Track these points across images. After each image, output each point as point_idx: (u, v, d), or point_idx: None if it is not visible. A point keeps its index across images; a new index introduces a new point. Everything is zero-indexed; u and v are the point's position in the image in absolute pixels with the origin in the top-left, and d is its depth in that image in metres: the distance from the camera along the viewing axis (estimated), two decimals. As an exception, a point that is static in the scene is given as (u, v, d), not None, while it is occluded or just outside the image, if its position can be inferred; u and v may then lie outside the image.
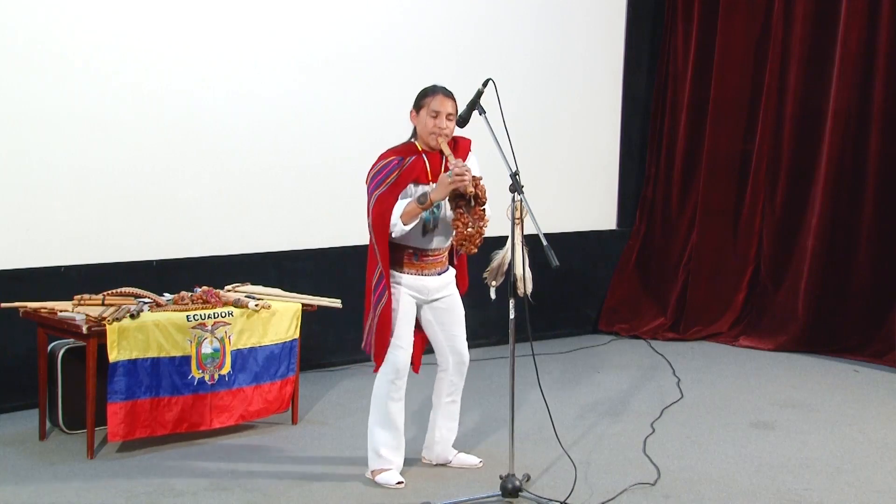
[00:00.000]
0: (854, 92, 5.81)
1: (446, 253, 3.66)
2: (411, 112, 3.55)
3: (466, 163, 3.51)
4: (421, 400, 4.31)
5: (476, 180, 3.39)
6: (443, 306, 3.66)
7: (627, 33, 6.52)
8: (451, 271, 3.71)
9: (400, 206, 3.43)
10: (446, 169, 3.52)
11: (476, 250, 3.42)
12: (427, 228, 3.52)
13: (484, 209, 3.41)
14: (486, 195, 3.41)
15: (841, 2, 5.82)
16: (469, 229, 3.38)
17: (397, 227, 3.42)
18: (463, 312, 3.72)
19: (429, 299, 3.63)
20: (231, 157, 5.04)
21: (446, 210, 3.50)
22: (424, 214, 3.46)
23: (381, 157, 3.52)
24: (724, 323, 6.33)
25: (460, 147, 3.59)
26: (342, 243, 5.32)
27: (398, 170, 3.45)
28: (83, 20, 4.52)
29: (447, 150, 3.48)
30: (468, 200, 3.37)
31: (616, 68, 6.52)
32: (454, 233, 3.45)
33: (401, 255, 3.54)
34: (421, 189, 3.50)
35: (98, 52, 4.57)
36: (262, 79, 5.08)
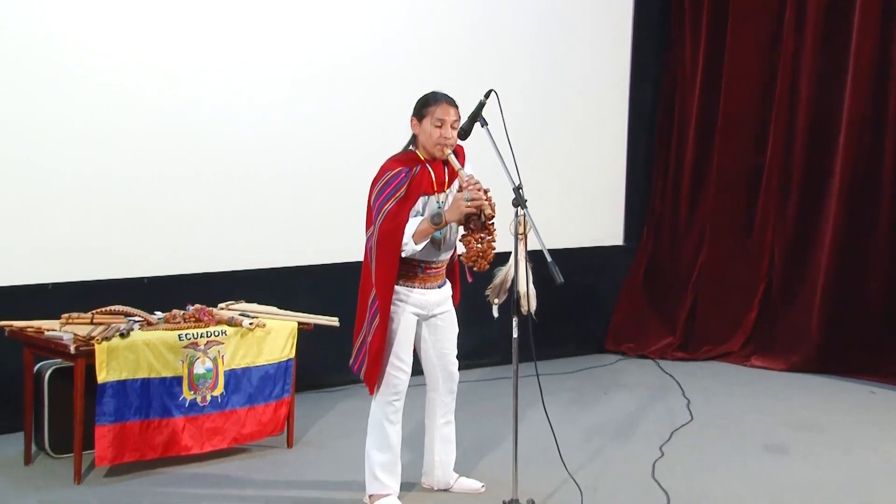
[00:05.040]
0: (868, 102, 5.80)
1: (445, 265, 3.65)
2: (412, 120, 3.52)
3: (466, 171, 3.50)
4: (413, 422, 4.28)
5: (489, 198, 3.39)
6: (440, 323, 3.65)
7: (633, 43, 6.51)
8: (448, 284, 3.70)
9: (412, 225, 3.40)
10: (451, 180, 3.54)
11: (488, 266, 3.42)
12: (438, 245, 3.52)
13: (493, 223, 3.42)
14: (495, 209, 3.41)
15: (854, 10, 5.80)
16: (480, 245, 3.39)
17: (409, 246, 3.39)
18: (457, 330, 3.72)
19: (429, 315, 3.62)
20: (225, 169, 5.02)
21: (453, 224, 3.50)
22: (436, 233, 3.45)
23: (386, 167, 3.47)
24: (734, 342, 6.30)
25: (458, 155, 3.55)
26: (341, 259, 5.27)
27: (407, 182, 3.41)
28: (71, 24, 4.50)
29: (456, 164, 3.46)
30: (478, 215, 3.38)
31: (622, 79, 6.50)
32: (465, 250, 3.44)
33: (408, 269, 3.51)
34: (426, 202, 3.48)
35: (88, 62, 4.55)
36: (260, 90, 5.07)
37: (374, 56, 5.43)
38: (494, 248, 3.43)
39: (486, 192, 3.39)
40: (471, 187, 3.38)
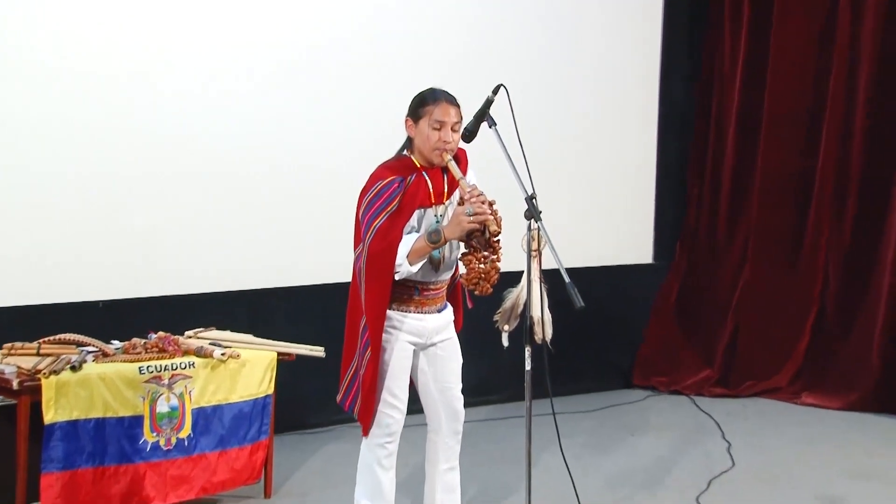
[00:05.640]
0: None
1: (445, 286, 3.65)
2: (406, 121, 3.51)
3: (469, 179, 3.49)
4: (411, 466, 4.28)
5: (494, 211, 3.38)
6: (440, 352, 3.64)
7: (664, 34, 6.54)
8: (450, 308, 3.70)
9: (407, 244, 3.39)
10: (451, 190, 3.53)
11: (491, 290, 3.40)
12: (436, 264, 3.51)
13: (498, 240, 3.41)
14: (501, 223, 3.40)
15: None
16: (483, 265, 3.39)
17: (403, 267, 3.38)
18: (460, 360, 3.72)
19: (427, 343, 3.60)
20: (193, 178, 5.04)
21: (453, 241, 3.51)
22: (434, 252, 3.45)
23: (377, 175, 3.46)
24: (782, 376, 6.31)
25: (460, 161, 3.55)
26: (327, 280, 5.28)
27: (400, 194, 3.41)
28: (34, 34, 4.59)
29: (457, 172, 3.44)
30: (482, 231, 3.38)
31: (651, 74, 6.53)
32: (465, 271, 3.44)
33: (403, 291, 3.51)
34: (423, 216, 3.49)
35: (40, 70, 4.61)
36: (234, 97, 5.12)
37: (363, 49, 5.47)
38: (499, 270, 3.41)
39: (490, 204, 3.38)
40: (473, 200, 3.35)
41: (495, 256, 3.41)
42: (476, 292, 3.43)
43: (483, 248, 3.40)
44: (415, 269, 3.40)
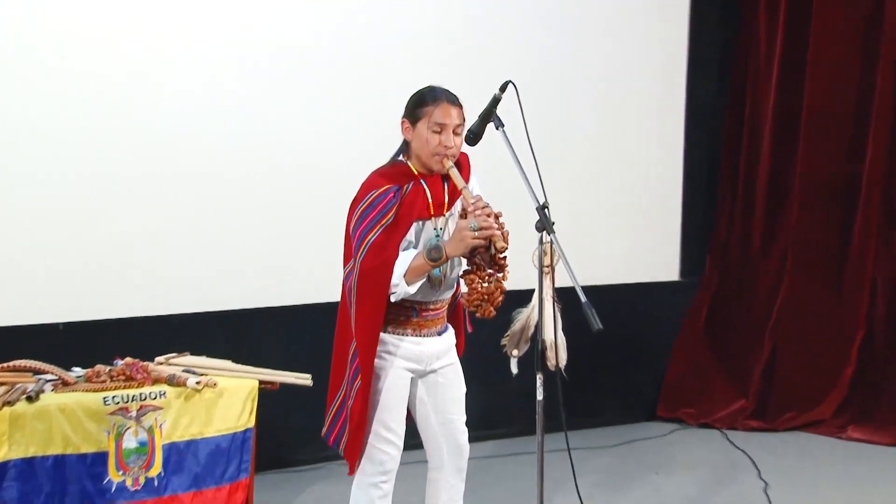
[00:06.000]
0: None
1: (446, 305, 3.66)
2: (403, 122, 3.53)
3: (472, 188, 3.52)
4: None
5: (501, 224, 3.39)
6: (441, 380, 3.65)
7: (691, 26, 6.50)
8: (451, 331, 3.71)
9: (403, 262, 3.40)
10: (453, 200, 3.54)
11: (495, 312, 3.41)
12: (437, 283, 3.53)
13: (504, 256, 3.41)
14: (508, 238, 3.41)
15: None
16: (487, 284, 3.38)
17: (399, 287, 3.39)
18: (464, 388, 3.72)
19: (426, 370, 3.62)
20: (165, 186, 5.05)
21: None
22: (434, 270, 3.45)
23: (370, 183, 3.48)
24: (826, 407, 6.28)
25: (462, 167, 3.57)
26: (315, 299, 5.27)
27: (396, 204, 3.42)
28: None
29: (459, 181, 3.46)
30: (487, 247, 3.38)
31: (676, 71, 6.50)
32: (466, 290, 3.45)
33: (399, 311, 3.52)
34: (421, 229, 3.49)
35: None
36: (222, 100, 5.15)
37: (356, 42, 5.46)
38: (504, 290, 3.42)
39: (497, 217, 3.39)
40: (478, 212, 3.36)
41: (501, 275, 3.42)
42: (477, 315, 3.43)
43: (487, 266, 3.39)
44: (412, 289, 3.40)
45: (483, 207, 3.37)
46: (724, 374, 6.50)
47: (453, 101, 3.48)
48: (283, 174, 5.32)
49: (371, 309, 3.41)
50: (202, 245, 5.15)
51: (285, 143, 5.32)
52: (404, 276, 3.37)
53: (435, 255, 3.37)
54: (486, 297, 3.38)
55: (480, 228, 3.33)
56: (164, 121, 5.03)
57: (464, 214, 3.45)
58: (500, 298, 3.41)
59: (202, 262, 5.15)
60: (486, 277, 3.39)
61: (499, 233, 3.35)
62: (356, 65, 5.46)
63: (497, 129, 3.43)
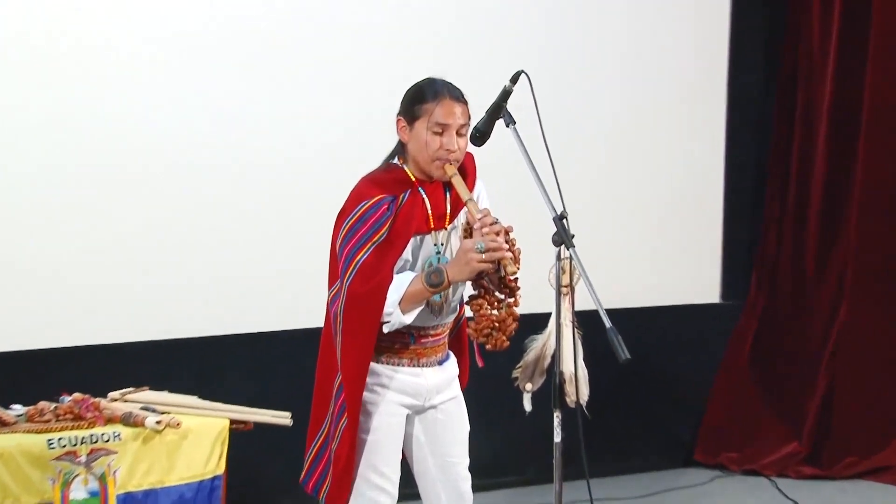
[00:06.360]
0: None
1: (448, 329, 3.64)
2: (398, 121, 3.51)
3: (475, 196, 3.49)
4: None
5: (511, 242, 3.36)
6: (441, 417, 3.63)
7: (733, 13, 6.54)
8: (453, 359, 3.70)
9: (399, 287, 3.37)
10: (456, 210, 3.52)
11: (508, 343, 3.40)
12: (437, 308, 3.52)
13: (516, 279, 3.40)
14: (520, 257, 3.40)
15: None
16: (497, 312, 3.37)
17: (394, 317, 3.37)
18: (467, 427, 3.70)
19: (425, 406, 3.60)
20: (123, 195, 5.05)
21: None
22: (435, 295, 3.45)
23: (360, 192, 3.45)
24: (892, 452, 6.30)
25: (466, 172, 3.55)
26: (294, 325, 5.31)
27: (390, 218, 3.40)
28: None
29: (464, 191, 3.43)
30: (496, 268, 3.36)
31: (717, 65, 6.52)
32: (473, 318, 3.44)
33: (393, 339, 3.50)
34: (419, 245, 3.48)
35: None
36: (181, 110, 5.20)
37: (342, 27, 5.48)
38: (517, 317, 3.41)
39: (507, 233, 3.37)
40: (485, 230, 3.34)
41: (512, 299, 3.40)
42: (487, 347, 3.42)
43: (496, 289, 3.36)
44: (408, 318, 3.39)
45: (491, 224, 3.36)
46: (773, 413, 6.49)
47: (457, 96, 3.45)
48: (256, 181, 5.34)
49: (360, 338, 3.40)
50: (163, 263, 5.14)
51: (253, 152, 5.35)
52: (399, 303, 3.35)
53: (435, 280, 3.35)
54: (497, 325, 3.38)
55: (488, 249, 3.30)
56: (115, 137, 5.06)
57: (468, 230, 3.44)
58: (514, 326, 3.41)
59: (163, 282, 5.14)
60: (496, 304, 3.39)
61: (509, 254, 3.34)
62: (340, 64, 5.50)
63: (507, 126, 3.44)
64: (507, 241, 3.36)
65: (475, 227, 3.37)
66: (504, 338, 3.38)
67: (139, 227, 5.10)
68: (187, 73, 5.20)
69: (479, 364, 3.69)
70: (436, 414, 3.62)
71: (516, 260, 3.36)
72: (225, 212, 5.26)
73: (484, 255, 3.30)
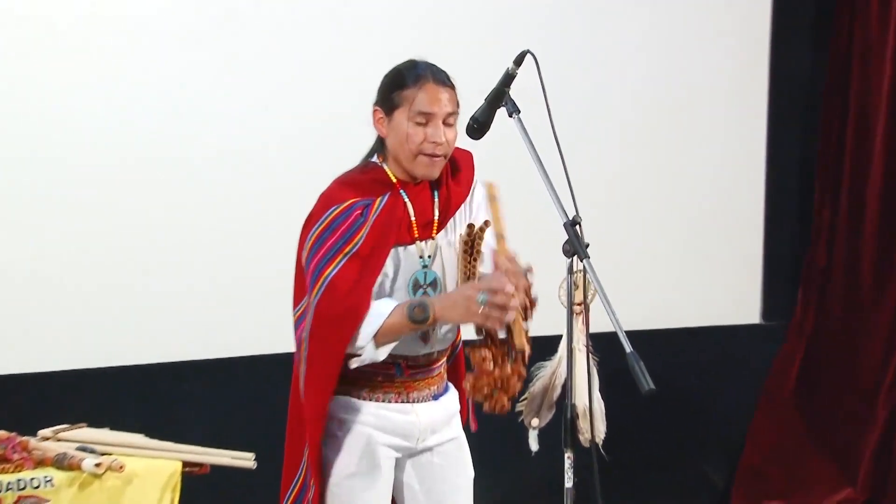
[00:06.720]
0: None
1: (445, 357, 3.63)
2: (375, 112, 3.49)
3: (475, 200, 3.54)
4: None
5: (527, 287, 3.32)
6: (438, 461, 3.63)
7: (774, 8, 6.62)
8: (453, 393, 3.68)
9: (376, 316, 3.33)
10: (447, 215, 3.54)
11: (510, 405, 3.37)
12: (426, 337, 3.53)
13: (527, 329, 3.37)
14: (535, 306, 3.37)
15: None
16: (501, 369, 3.37)
17: (366, 352, 3.34)
18: (471, 473, 3.70)
19: (418, 448, 3.58)
20: (63, 202, 5.10)
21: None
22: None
23: (329, 196, 3.45)
24: (964, 497, 6.21)
25: (461, 167, 3.56)
26: (259, 350, 5.34)
27: (365, 226, 3.39)
28: None
29: (499, 224, 3.38)
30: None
31: (758, 46, 6.57)
32: (473, 370, 3.39)
33: (375, 369, 3.48)
34: (401, 258, 3.47)
35: None
36: (135, 104, 5.25)
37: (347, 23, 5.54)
38: (524, 375, 3.38)
39: (527, 291, 3.31)
40: (499, 284, 3.24)
41: (522, 353, 3.32)
42: (485, 408, 3.38)
43: (502, 344, 3.35)
44: (382, 355, 3.36)
45: (514, 272, 3.27)
46: (822, 453, 6.55)
47: (443, 80, 3.44)
48: (221, 191, 5.41)
49: (327, 369, 3.37)
50: (103, 282, 5.16)
51: (227, 160, 5.42)
52: (374, 336, 3.32)
53: (419, 316, 3.32)
54: (500, 383, 3.35)
55: (493, 306, 3.21)
56: (59, 146, 5.12)
57: (468, 243, 3.39)
58: (519, 387, 3.39)
59: (103, 302, 5.15)
60: (502, 357, 3.34)
61: (522, 325, 3.29)
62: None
63: (510, 116, 3.42)
64: (526, 296, 3.32)
65: (493, 284, 3.25)
66: (506, 399, 3.35)
67: (73, 241, 5.12)
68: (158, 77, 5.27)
69: (472, 428, 3.71)
70: (431, 458, 3.61)
71: (532, 306, 3.32)
72: (173, 218, 5.30)
73: (488, 307, 3.22)
